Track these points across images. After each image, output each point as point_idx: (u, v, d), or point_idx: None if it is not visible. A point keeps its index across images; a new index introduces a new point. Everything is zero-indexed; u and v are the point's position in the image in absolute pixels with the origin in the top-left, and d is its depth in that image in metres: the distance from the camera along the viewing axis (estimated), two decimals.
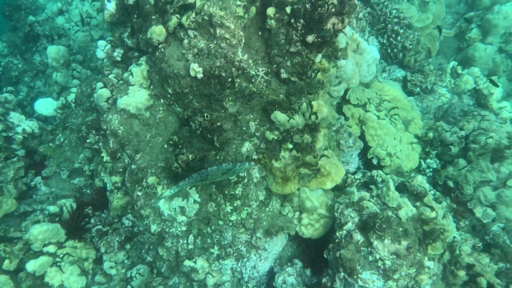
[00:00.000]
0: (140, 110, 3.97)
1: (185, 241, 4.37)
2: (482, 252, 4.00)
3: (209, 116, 3.89)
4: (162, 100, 4.06)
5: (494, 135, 4.97)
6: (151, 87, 4.05)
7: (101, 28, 7.62)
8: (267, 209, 4.34)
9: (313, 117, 4.04)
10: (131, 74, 3.99)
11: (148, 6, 3.91)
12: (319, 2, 3.54)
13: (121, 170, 4.24)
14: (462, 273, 3.87)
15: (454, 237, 4.02)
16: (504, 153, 5.01)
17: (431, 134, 5.02)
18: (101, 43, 4.53)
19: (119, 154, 4.16)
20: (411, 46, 5.70)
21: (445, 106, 5.90)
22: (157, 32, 3.73)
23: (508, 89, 6.45)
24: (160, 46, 3.83)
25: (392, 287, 3.65)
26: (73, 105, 5.34)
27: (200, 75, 3.75)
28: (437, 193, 4.19)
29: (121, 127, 3.99)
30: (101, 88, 4.19)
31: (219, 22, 3.59)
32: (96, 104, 4.22)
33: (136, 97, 3.93)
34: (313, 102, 4.02)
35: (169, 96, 3.96)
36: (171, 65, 3.80)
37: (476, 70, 6.17)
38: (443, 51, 7.33)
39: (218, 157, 4.04)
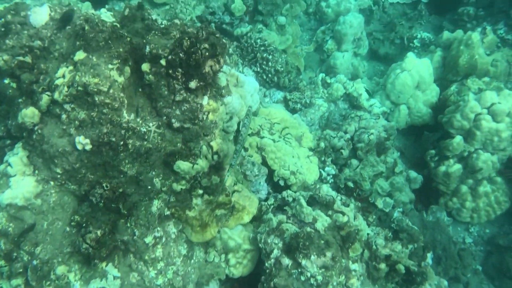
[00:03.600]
0: (29, 199, 3.59)
1: None
2: (393, 241, 4.37)
3: (108, 185, 3.68)
4: (52, 183, 3.73)
5: (373, 131, 5.53)
6: (36, 172, 3.70)
7: None
8: (192, 261, 4.21)
9: (215, 157, 4.08)
10: (9, 164, 3.61)
11: (10, 91, 3.62)
12: (192, 50, 3.63)
13: (21, 270, 3.74)
14: (383, 266, 4.18)
15: (368, 234, 4.35)
16: (386, 145, 5.60)
17: (322, 144, 5.40)
18: None
19: (15, 254, 3.69)
20: (282, 68, 6.11)
21: (326, 114, 6.40)
22: (29, 115, 3.45)
23: (371, 87, 7.26)
24: (36, 128, 3.54)
25: None
26: None
27: (88, 147, 3.55)
28: (343, 197, 4.50)
29: (11, 224, 3.55)
30: None
31: (96, 89, 3.45)
32: None
33: (22, 188, 3.55)
34: (212, 143, 4.06)
35: (59, 176, 3.66)
36: (54, 144, 3.53)
37: (342, 76, 6.84)
38: (309, 65, 7.99)
39: (128, 224, 3.83)
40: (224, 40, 4.11)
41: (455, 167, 5.55)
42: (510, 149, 5.47)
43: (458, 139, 5.49)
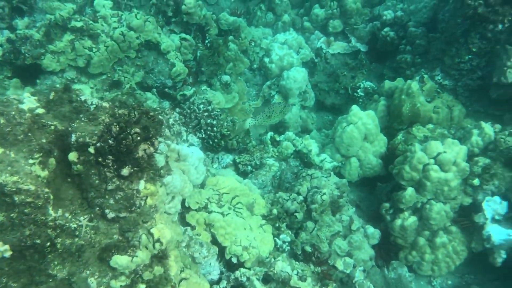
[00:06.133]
0: None
1: None
2: None
3: None
4: None
5: (326, 190, 5.39)
6: None
7: None
8: None
9: (157, 245, 3.73)
10: None
11: None
12: (122, 136, 3.38)
13: None
14: None
15: None
16: (339, 203, 5.46)
17: (275, 211, 5.18)
18: None
19: None
20: (228, 132, 5.96)
21: (278, 174, 6.24)
22: None
23: (320, 139, 7.23)
24: None
25: None
26: None
27: (8, 253, 3.14)
28: (300, 270, 4.26)
29: None
30: None
31: (14, 188, 3.10)
32: None
33: None
34: (152, 230, 3.74)
35: None
36: None
37: (291, 134, 6.77)
38: None
39: None
40: (160, 117, 3.90)
41: (411, 220, 5.47)
42: (461, 198, 5.48)
43: (410, 191, 5.45)
